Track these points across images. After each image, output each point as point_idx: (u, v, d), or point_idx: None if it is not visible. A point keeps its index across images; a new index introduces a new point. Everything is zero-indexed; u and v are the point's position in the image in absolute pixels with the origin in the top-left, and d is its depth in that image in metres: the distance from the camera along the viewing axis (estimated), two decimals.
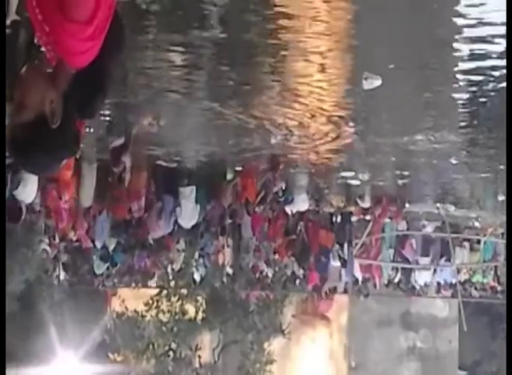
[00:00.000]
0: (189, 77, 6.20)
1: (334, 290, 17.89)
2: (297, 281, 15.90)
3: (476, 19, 4.84)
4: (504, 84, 6.07)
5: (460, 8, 4.71)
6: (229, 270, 14.12)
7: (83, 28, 2.17)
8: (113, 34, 2.31)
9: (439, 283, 17.30)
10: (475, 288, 18.14)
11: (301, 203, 11.89)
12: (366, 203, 12.62)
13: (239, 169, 10.35)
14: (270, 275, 15.50)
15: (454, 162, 9.56)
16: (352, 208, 13.17)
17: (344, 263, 14.50)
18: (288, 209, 12.16)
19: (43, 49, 2.36)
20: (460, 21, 4.89)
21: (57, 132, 2.23)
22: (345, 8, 4.80)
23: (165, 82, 6.36)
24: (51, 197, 9.32)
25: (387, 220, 14.10)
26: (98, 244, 12.00)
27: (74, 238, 12.02)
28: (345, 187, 11.91)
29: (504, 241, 15.76)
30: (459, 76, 6.05)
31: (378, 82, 5.91)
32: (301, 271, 14.50)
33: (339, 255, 14.14)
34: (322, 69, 5.75)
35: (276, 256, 13.47)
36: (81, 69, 2.27)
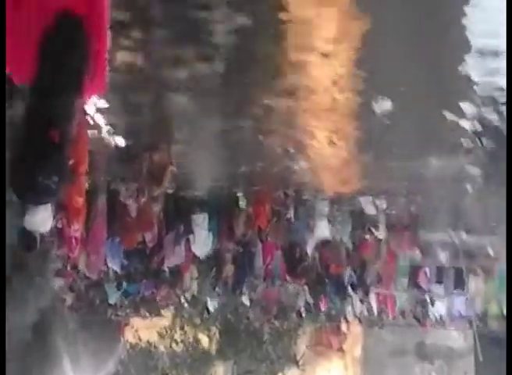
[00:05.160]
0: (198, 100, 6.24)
1: (347, 321, 17.72)
2: (311, 311, 15.74)
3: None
4: None
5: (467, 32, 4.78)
6: (243, 299, 14.01)
7: None
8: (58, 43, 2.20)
9: (453, 314, 17.08)
10: (490, 318, 17.88)
11: (323, 229, 11.55)
12: (381, 233, 12.40)
13: (251, 196, 10.34)
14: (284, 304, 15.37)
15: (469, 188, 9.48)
16: (366, 237, 13.01)
17: (358, 293, 14.40)
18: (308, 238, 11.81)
19: None
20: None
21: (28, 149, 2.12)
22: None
23: (174, 104, 6.39)
24: (61, 225, 9.26)
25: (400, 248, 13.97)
26: (111, 274, 11.98)
27: (86, 268, 11.94)
28: (359, 215, 11.81)
29: None
30: (469, 99, 6.08)
31: (388, 104, 5.95)
32: (312, 300, 14.36)
33: (352, 285, 14.03)
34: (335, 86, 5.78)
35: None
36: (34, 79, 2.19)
